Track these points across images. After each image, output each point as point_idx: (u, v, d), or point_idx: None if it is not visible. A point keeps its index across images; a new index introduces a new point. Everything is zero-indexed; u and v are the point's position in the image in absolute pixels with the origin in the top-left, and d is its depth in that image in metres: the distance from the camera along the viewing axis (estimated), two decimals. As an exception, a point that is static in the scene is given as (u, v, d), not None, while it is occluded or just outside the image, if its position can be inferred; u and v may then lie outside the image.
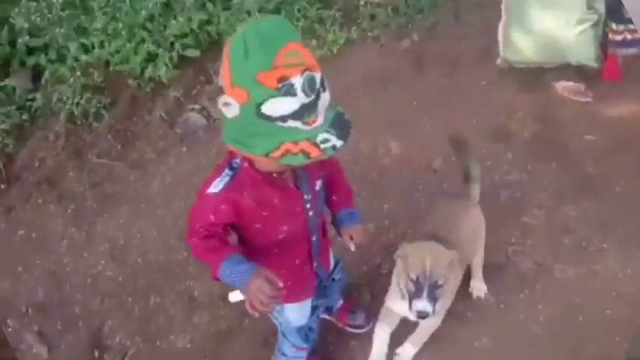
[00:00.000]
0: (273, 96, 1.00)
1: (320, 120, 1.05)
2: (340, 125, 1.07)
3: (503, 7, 2.48)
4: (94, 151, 2.70)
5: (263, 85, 0.99)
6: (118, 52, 2.85)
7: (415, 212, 2.20)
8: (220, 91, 1.10)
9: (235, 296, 1.48)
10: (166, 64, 2.77)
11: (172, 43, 2.85)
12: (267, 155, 1.06)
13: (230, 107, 1.04)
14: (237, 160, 1.20)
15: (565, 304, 1.88)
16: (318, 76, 1.04)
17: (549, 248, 2.03)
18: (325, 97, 1.06)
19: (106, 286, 2.18)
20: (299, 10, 2.99)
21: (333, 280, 1.67)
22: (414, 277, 1.51)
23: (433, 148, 2.44)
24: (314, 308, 1.61)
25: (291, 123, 1.02)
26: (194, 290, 2.09)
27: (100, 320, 2.08)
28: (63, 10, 2.81)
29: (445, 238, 1.61)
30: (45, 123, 2.77)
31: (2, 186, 2.59)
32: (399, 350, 1.73)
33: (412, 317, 1.59)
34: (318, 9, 3.04)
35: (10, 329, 2.09)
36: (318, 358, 1.81)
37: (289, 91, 0.99)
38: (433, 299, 1.51)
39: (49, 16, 2.76)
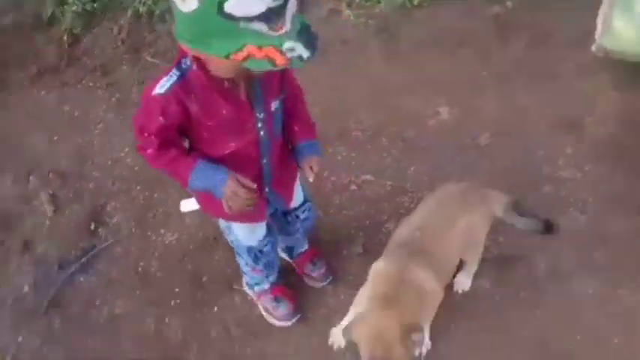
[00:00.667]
0: None
1: (287, 27, 1.01)
2: (307, 36, 1.03)
3: (608, -17, 2.25)
4: (151, 51, 2.91)
5: None
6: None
7: (440, 184, 2.14)
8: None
9: (186, 206, 1.57)
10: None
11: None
12: (227, 57, 1.02)
13: (186, 0, 0.99)
14: (188, 61, 1.17)
15: (568, 320, 1.77)
16: None
17: (574, 258, 1.90)
18: (293, 4, 1.01)
19: (122, 171, 2.40)
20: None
21: (297, 217, 1.70)
22: None
23: (486, 123, 2.35)
24: (273, 243, 1.67)
25: (256, 25, 0.98)
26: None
27: (106, 199, 2.30)
28: None
29: (427, 249, 1.56)
30: (113, 15, 3.03)
31: (63, 63, 2.89)
32: None
33: None
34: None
35: (30, 185, 2.37)
36: (283, 288, 1.86)
37: None
38: None
39: None
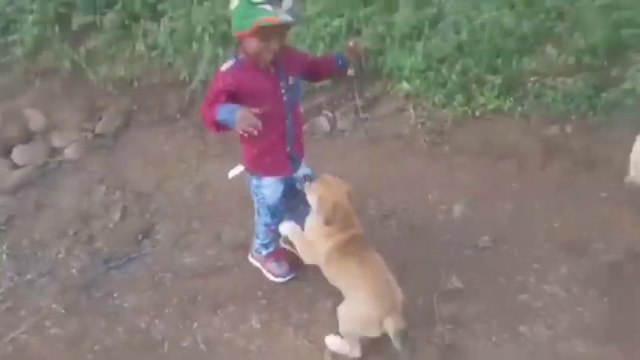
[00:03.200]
0: None
1: (284, 7, 1.90)
2: (294, 13, 1.94)
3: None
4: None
5: None
6: None
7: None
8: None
9: (232, 172, 2.34)
10: None
11: None
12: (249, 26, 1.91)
13: (233, 2, 1.97)
14: (239, 54, 2.09)
15: None
16: None
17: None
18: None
19: (180, 203, 3.10)
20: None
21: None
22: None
23: (492, 229, 2.59)
24: (284, 203, 2.35)
25: (265, 6, 1.88)
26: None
27: (159, 219, 3.00)
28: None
29: None
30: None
31: (178, 115, 3.81)
32: None
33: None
34: (484, 71, 3.38)
35: (114, 197, 3.20)
36: (280, 253, 2.56)
37: None
38: None
39: None
